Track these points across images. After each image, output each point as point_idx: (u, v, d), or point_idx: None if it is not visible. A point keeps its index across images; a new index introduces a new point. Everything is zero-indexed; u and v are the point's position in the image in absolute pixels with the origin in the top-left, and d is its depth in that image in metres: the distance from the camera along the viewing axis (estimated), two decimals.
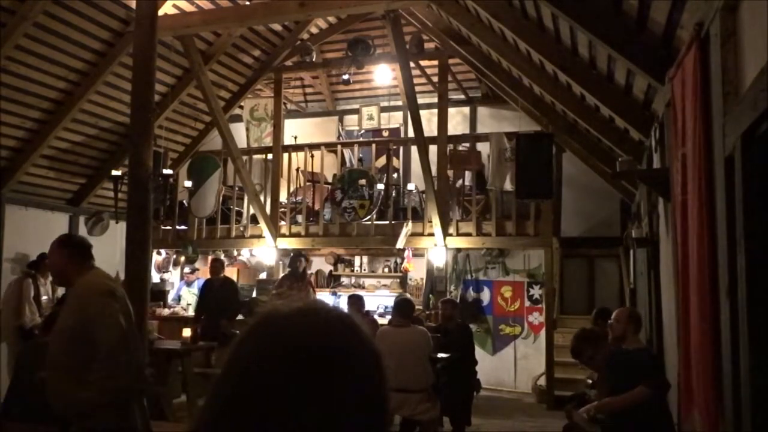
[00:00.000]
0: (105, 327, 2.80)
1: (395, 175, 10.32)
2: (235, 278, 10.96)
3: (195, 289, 9.99)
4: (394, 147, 10.15)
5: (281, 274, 9.42)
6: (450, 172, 8.97)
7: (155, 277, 10.35)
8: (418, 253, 9.96)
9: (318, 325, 0.77)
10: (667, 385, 3.70)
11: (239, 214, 9.88)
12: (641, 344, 4.01)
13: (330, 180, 9.51)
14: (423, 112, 8.39)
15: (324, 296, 10.24)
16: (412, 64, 8.63)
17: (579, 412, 4.35)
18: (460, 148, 9.17)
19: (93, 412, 2.79)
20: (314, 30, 10.42)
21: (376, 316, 8.93)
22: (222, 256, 11.14)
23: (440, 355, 6.18)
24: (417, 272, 10.40)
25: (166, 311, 10.01)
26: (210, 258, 10.00)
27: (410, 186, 9.07)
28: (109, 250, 9.55)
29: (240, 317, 9.00)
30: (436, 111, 8.83)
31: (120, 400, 2.89)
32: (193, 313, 8.72)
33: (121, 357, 2.80)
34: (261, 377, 0.73)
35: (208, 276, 8.68)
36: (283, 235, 9.34)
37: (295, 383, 0.71)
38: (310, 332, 0.76)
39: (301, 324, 0.77)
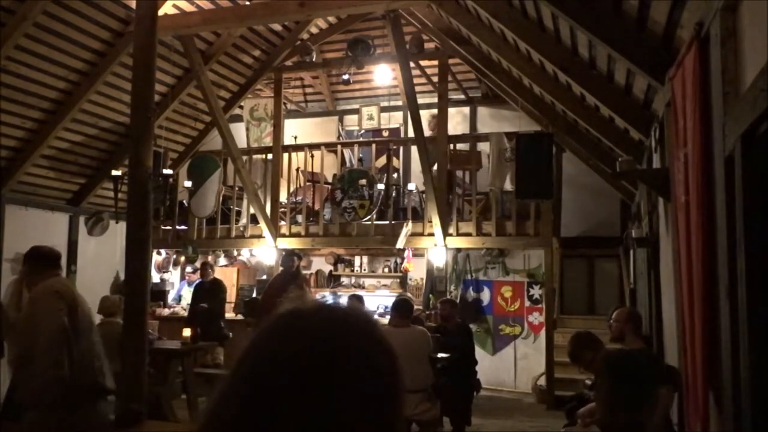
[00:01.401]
0: (46, 319, 3.09)
1: (395, 175, 10.32)
2: (235, 278, 10.99)
3: None
4: (394, 147, 10.15)
5: None
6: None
7: (155, 277, 10.35)
8: (418, 253, 9.96)
9: (329, 325, 0.78)
10: (677, 374, 3.63)
11: (239, 214, 9.88)
12: (641, 345, 4.00)
13: (330, 180, 9.51)
14: (423, 112, 8.39)
15: (324, 296, 10.24)
16: (412, 64, 8.63)
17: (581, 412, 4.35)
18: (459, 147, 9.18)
19: (47, 406, 3.01)
20: (314, 30, 10.42)
21: (376, 317, 8.94)
22: (222, 256, 11.17)
23: (440, 355, 6.17)
24: (417, 272, 10.40)
25: (166, 311, 10.02)
26: (208, 258, 10.00)
27: (410, 186, 9.07)
28: (109, 250, 9.56)
29: (239, 317, 9.03)
30: (436, 111, 8.83)
31: (71, 397, 3.07)
32: (188, 314, 8.74)
33: (62, 347, 3.05)
34: (272, 376, 0.73)
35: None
36: (283, 235, 9.33)
37: (307, 382, 0.71)
38: (321, 331, 0.76)
39: (314, 323, 0.77)
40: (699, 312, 2.73)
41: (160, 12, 6.84)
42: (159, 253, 10.70)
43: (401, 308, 5.35)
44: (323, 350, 0.74)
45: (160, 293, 10.24)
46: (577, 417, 4.52)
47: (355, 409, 0.72)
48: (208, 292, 8.33)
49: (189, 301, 9.99)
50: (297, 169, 9.75)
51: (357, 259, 11.25)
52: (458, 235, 8.56)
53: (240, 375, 0.76)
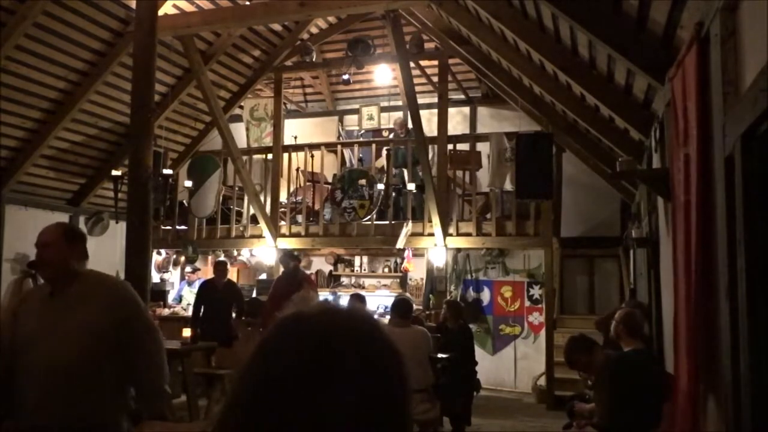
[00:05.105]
0: None
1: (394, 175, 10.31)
2: (235, 278, 10.97)
3: (197, 288, 9.96)
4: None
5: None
6: None
7: (155, 277, 10.35)
8: (418, 253, 9.96)
9: (339, 324, 0.79)
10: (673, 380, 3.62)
11: (239, 214, 9.87)
12: (639, 345, 3.99)
13: (330, 180, 9.51)
14: (423, 112, 8.39)
15: (324, 296, 10.23)
16: (412, 64, 8.63)
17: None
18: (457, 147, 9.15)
19: None
20: (314, 30, 10.42)
21: (376, 317, 8.91)
22: (222, 256, 11.14)
23: (440, 355, 6.17)
24: (417, 272, 10.40)
25: (166, 311, 10.01)
26: (216, 259, 9.93)
27: (410, 186, 9.08)
28: (109, 250, 9.55)
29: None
30: (436, 111, 8.83)
31: None
32: (192, 314, 8.63)
33: None
34: (278, 380, 0.73)
35: (211, 277, 8.60)
36: (283, 235, 9.34)
37: (313, 384, 0.72)
38: (325, 333, 0.77)
39: (317, 325, 0.78)
40: (697, 313, 2.72)
41: (160, 12, 6.85)
42: (159, 253, 10.69)
43: (400, 308, 5.35)
44: (328, 352, 0.74)
45: (160, 293, 10.23)
46: (575, 411, 4.50)
47: (363, 410, 0.72)
48: (223, 293, 8.16)
49: (190, 301, 9.98)
50: (297, 169, 9.76)
51: (357, 259, 11.26)
52: (458, 235, 8.56)
53: (246, 379, 0.77)
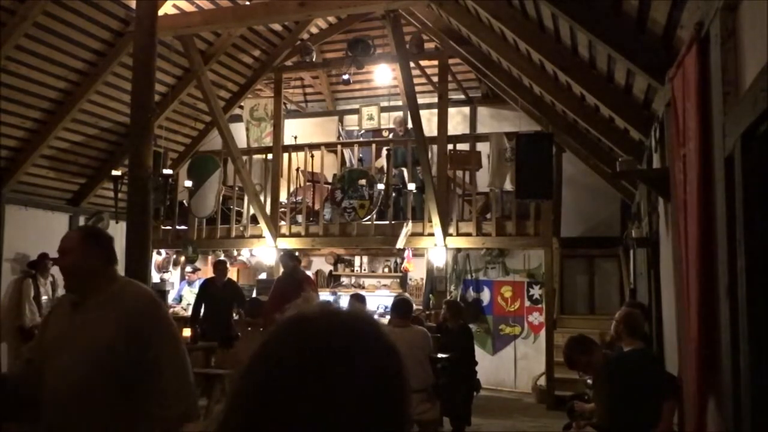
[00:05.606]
0: None
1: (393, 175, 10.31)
2: (234, 278, 10.96)
3: (197, 288, 9.95)
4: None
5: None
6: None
7: (155, 277, 10.35)
8: (418, 253, 9.96)
9: (339, 325, 0.79)
10: (676, 383, 3.62)
11: (239, 214, 9.87)
12: (639, 345, 3.99)
13: (330, 180, 9.51)
14: (423, 112, 8.39)
15: (324, 296, 10.23)
16: (412, 64, 8.63)
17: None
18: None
19: None
20: (314, 30, 10.42)
21: (376, 317, 8.93)
22: (222, 256, 11.14)
23: (440, 355, 6.17)
24: (417, 272, 10.40)
25: None
26: (216, 259, 9.94)
27: (410, 186, 9.07)
28: None
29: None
30: (436, 111, 8.83)
31: None
32: (191, 313, 8.63)
33: None
34: (280, 380, 0.74)
35: (211, 276, 8.60)
36: (283, 235, 9.33)
37: (314, 385, 0.72)
38: (326, 334, 0.77)
39: (319, 326, 0.78)
40: (698, 312, 2.73)
41: (160, 12, 6.85)
42: (159, 253, 10.69)
43: (400, 308, 5.35)
44: (329, 353, 0.75)
45: (160, 293, 10.22)
46: (576, 411, 4.49)
47: (363, 410, 0.73)
48: (224, 292, 8.14)
49: (190, 301, 9.97)
50: (297, 169, 9.76)
51: (357, 259, 11.26)
52: (458, 235, 8.56)
53: (248, 379, 0.77)
